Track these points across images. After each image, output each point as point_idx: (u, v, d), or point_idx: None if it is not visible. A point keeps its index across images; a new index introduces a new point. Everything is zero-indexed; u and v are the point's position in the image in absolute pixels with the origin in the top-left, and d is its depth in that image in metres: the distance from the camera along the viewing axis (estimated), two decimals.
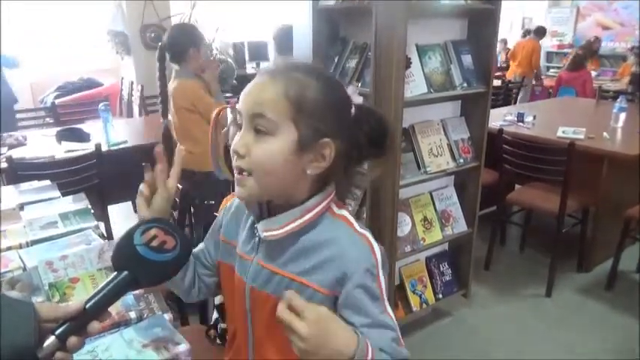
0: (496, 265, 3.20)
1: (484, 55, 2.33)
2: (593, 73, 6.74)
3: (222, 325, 1.31)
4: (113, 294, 0.72)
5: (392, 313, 0.83)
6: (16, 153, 2.87)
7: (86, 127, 3.46)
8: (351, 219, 0.87)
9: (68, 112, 4.63)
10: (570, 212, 2.92)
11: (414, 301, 2.50)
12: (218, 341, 1.33)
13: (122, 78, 5.78)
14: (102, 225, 2.74)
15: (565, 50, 8.88)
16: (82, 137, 3.16)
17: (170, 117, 2.68)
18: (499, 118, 3.66)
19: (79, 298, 1.17)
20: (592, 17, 8.99)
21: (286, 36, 2.60)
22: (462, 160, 2.40)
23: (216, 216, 1.05)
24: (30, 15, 6.00)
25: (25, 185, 2.00)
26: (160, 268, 0.75)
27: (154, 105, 4.91)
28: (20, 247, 1.45)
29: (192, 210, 3.42)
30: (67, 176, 2.60)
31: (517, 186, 3.40)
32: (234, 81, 5.81)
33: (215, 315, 1.35)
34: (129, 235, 0.75)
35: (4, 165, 2.57)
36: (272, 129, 0.77)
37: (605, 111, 3.90)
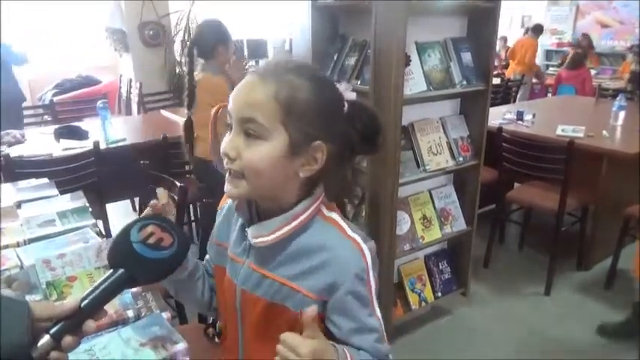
0: (495, 263, 3.20)
1: (484, 53, 2.32)
2: (593, 72, 6.74)
3: (220, 324, 1.31)
4: (109, 292, 0.71)
5: (379, 313, 0.84)
6: (14, 151, 2.86)
7: (84, 124, 3.45)
8: (342, 222, 0.85)
9: (66, 109, 4.62)
10: (569, 210, 2.92)
11: (412, 299, 2.50)
12: (216, 340, 1.32)
13: (120, 75, 5.77)
14: (100, 223, 2.73)
15: (564, 48, 8.88)
16: (80, 135, 3.15)
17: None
18: (498, 116, 3.66)
19: (76, 297, 1.17)
20: (591, 15, 8.97)
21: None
22: (461, 159, 2.40)
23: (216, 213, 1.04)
24: (28, 13, 5.98)
25: (22, 183, 2.00)
26: (157, 265, 0.75)
27: (152, 102, 4.91)
28: (17, 245, 1.44)
29: (191, 208, 3.42)
30: (65, 174, 2.59)
31: (516, 184, 3.39)
32: None
33: None
34: (125, 232, 0.74)
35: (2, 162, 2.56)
36: (263, 133, 0.76)
37: (604, 109, 3.90)
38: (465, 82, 2.28)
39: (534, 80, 7.04)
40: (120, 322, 1.10)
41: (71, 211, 1.67)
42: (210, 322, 1.37)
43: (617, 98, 3.62)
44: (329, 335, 0.82)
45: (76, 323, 0.66)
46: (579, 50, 6.13)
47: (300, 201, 0.83)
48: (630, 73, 6.04)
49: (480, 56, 2.33)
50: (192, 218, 3.48)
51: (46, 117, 4.49)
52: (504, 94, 5.67)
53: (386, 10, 1.99)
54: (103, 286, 0.70)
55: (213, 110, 2.34)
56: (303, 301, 0.81)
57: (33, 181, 2.02)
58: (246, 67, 3.01)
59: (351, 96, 0.86)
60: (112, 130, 3.14)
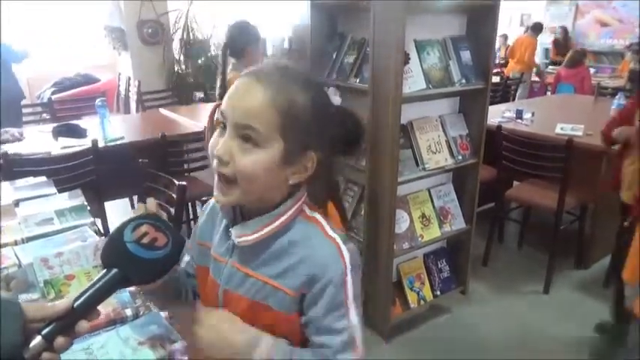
0: (494, 261, 3.20)
1: (483, 51, 2.32)
2: (592, 70, 6.74)
3: None
4: (102, 292, 0.70)
5: (355, 316, 0.82)
6: (12, 149, 2.85)
7: (83, 123, 3.44)
8: (323, 221, 0.85)
9: (65, 108, 4.60)
10: (568, 209, 2.92)
11: (411, 298, 2.50)
12: None
13: (119, 74, 5.76)
14: (98, 221, 2.73)
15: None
16: (78, 133, 3.14)
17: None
18: (497, 114, 3.65)
19: (69, 297, 1.16)
20: (591, 14, 8.97)
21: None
22: (460, 157, 2.40)
23: None
24: (27, 12, 5.97)
25: (20, 181, 1.99)
26: (151, 265, 0.74)
27: (151, 101, 4.90)
28: (15, 243, 1.44)
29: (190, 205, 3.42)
30: (64, 172, 2.59)
31: (515, 183, 3.39)
32: None
33: None
34: (119, 232, 0.74)
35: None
36: (259, 141, 0.76)
37: (603, 108, 3.90)
38: (464, 81, 2.28)
39: (535, 79, 7.03)
40: (118, 320, 1.10)
41: (69, 209, 1.66)
42: None
43: (616, 97, 3.62)
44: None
45: (68, 324, 0.66)
46: (578, 49, 6.13)
47: (283, 201, 0.83)
48: (629, 71, 6.04)
49: (479, 55, 2.33)
50: (191, 216, 3.48)
51: (44, 115, 4.48)
52: (503, 93, 5.67)
53: (385, 9, 1.99)
54: (97, 286, 0.69)
55: (211, 109, 2.36)
56: (284, 299, 0.81)
57: (31, 180, 2.01)
58: None
59: (337, 101, 0.86)
60: (111, 129, 3.13)
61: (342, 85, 2.29)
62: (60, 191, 1.87)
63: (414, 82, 2.13)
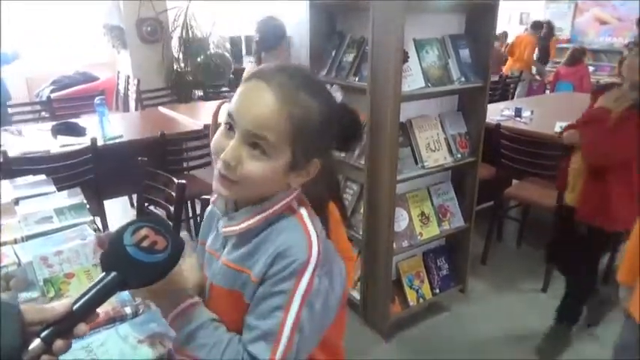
0: (493, 260, 3.21)
1: (482, 49, 2.32)
2: (591, 68, 6.74)
3: None
4: (101, 296, 0.70)
5: (295, 319, 0.77)
6: (12, 147, 2.84)
7: (82, 121, 3.43)
8: (306, 217, 0.85)
9: (64, 106, 4.60)
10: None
11: (410, 296, 2.50)
12: None
13: (118, 72, 5.75)
14: (98, 220, 2.73)
15: (563, 45, 8.86)
16: (77, 131, 3.13)
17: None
18: (496, 112, 3.65)
19: (74, 294, 1.16)
20: (590, 12, 8.97)
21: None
22: (459, 155, 2.40)
23: None
24: (26, 10, 5.96)
25: (20, 180, 1.99)
26: (150, 269, 0.73)
27: (150, 99, 4.90)
28: (15, 242, 1.44)
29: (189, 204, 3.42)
30: (63, 171, 2.59)
31: (514, 181, 3.39)
32: (231, 75, 5.78)
33: None
34: (119, 235, 0.73)
35: None
36: (268, 150, 0.76)
37: None
38: (463, 79, 2.28)
39: (537, 76, 7.03)
40: (117, 319, 1.10)
41: (69, 207, 1.66)
42: None
43: None
44: None
45: (67, 327, 0.66)
46: (577, 47, 6.13)
47: (274, 195, 0.83)
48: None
49: (478, 53, 2.33)
50: (191, 215, 3.48)
51: (43, 113, 4.47)
52: (502, 91, 5.67)
53: (384, 7, 1.99)
54: (95, 289, 0.69)
55: (215, 107, 2.37)
56: (249, 284, 0.80)
57: (30, 178, 2.02)
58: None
59: (339, 98, 0.86)
60: (110, 127, 3.13)
61: (341, 83, 2.29)
62: (59, 189, 1.88)
63: (413, 80, 2.14)
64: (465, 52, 2.31)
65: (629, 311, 1.44)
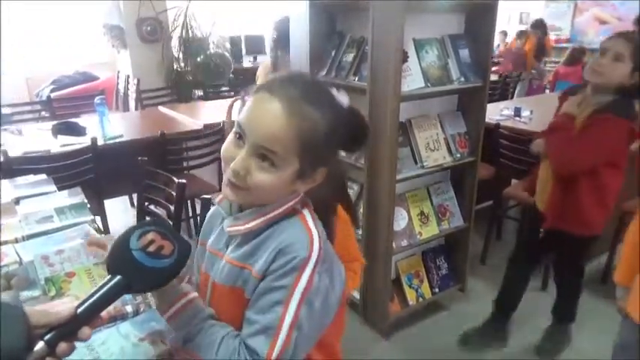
0: (492, 259, 3.21)
1: (481, 49, 2.33)
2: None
3: None
4: (106, 299, 0.70)
5: (294, 317, 0.79)
6: (12, 147, 2.85)
7: (82, 121, 3.44)
8: (308, 217, 0.87)
9: (64, 105, 4.61)
10: None
11: (410, 295, 2.51)
12: None
13: (118, 72, 5.75)
14: (98, 219, 2.74)
15: (562, 45, 8.88)
16: (78, 131, 3.14)
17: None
18: (496, 112, 3.66)
19: (75, 293, 1.17)
20: (590, 12, 8.99)
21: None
22: (458, 155, 2.40)
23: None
24: (26, 10, 5.96)
25: (20, 179, 1.99)
26: (156, 274, 0.74)
27: (150, 99, 4.90)
28: (16, 241, 1.44)
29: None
30: (63, 170, 2.59)
31: (514, 181, 3.40)
32: (231, 74, 5.79)
33: None
34: (125, 239, 0.73)
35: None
36: (277, 162, 0.79)
37: None
38: (462, 79, 2.28)
39: (532, 71, 7.02)
40: (119, 317, 1.10)
41: (69, 207, 1.67)
42: None
43: None
44: None
45: (71, 330, 0.66)
46: (577, 46, 6.13)
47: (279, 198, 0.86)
48: None
49: (478, 53, 2.33)
50: (191, 214, 3.49)
51: (43, 113, 4.48)
52: (502, 91, 5.67)
53: (384, 7, 1.99)
54: (100, 292, 0.70)
55: (229, 104, 2.40)
56: (250, 280, 0.82)
57: (31, 178, 2.02)
58: None
59: (345, 100, 0.87)
60: (110, 127, 3.14)
61: (340, 83, 2.30)
62: (59, 189, 1.88)
63: (412, 80, 2.14)
64: (464, 52, 2.31)
65: (627, 311, 1.44)
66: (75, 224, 1.54)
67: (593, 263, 3.13)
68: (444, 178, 2.56)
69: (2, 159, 2.53)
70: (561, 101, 2.18)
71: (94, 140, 2.77)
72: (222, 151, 0.83)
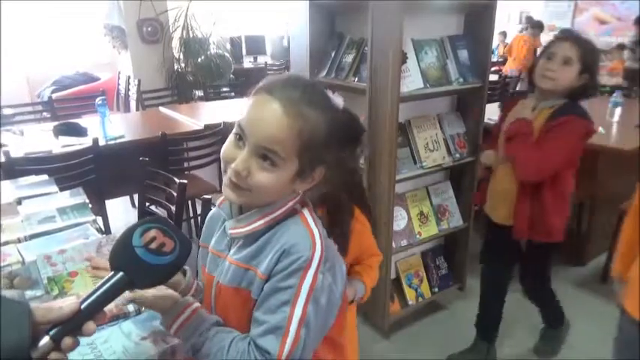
0: None
1: (480, 50, 2.34)
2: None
3: None
4: (109, 295, 0.71)
5: (301, 314, 0.80)
6: (14, 148, 2.86)
7: (83, 121, 3.45)
8: (308, 216, 0.89)
9: (65, 106, 4.61)
10: None
11: (410, 294, 2.52)
12: None
13: (119, 72, 5.77)
14: (100, 219, 2.75)
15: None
16: (79, 132, 3.15)
17: None
18: (495, 112, 3.64)
19: (77, 292, 1.18)
20: (590, 12, 8.98)
21: None
22: (457, 155, 2.41)
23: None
24: (26, 9, 5.97)
25: (22, 180, 2.01)
26: (157, 271, 0.75)
27: (151, 99, 4.91)
28: (19, 241, 1.46)
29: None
30: (65, 171, 2.60)
31: None
32: (232, 75, 5.80)
33: None
34: (127, 236, 0.75)
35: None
36: (277, 162, 0.81)
37: (600, 105, 3.91)
38: (461, 79, 2.29)
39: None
40: (121, 316, 1.12)
41: (71, 207, 1.68)
42: None
43: (614, 95, 3.63)
44: None
45: (75, 325, 0.67)
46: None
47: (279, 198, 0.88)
48: (623, 70, 6.03)
49: (477, 53, 2.34)
50: (192, 214, 3.50)
51: (44, 114, 4.49)
52: (501, 91, 5.68)
53: (383, 8, 2.00)
54: (103, 288, 0.71)
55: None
56: (255, 281, 0.84)
57: (33, 178, 2.03)
58: None
59: (340, 102, 0.89)
60: (111, 127, 3.15)
61: (340, 84, 2.31)
62: (61, 189, 1.89)
63: (411, 81, 2.15)
64: (463, 53, 2.32)
65: (624, 306, 1.45)
66: (77, 224, 1.56)
67: (593, 263, 3.14)
68: (443, 178, 2.57)
69: (4, 160, 2.54)
70: (507, 107, 2.11)
71: (95, 141, 2.78)
72: (222, 152, 0.85)
